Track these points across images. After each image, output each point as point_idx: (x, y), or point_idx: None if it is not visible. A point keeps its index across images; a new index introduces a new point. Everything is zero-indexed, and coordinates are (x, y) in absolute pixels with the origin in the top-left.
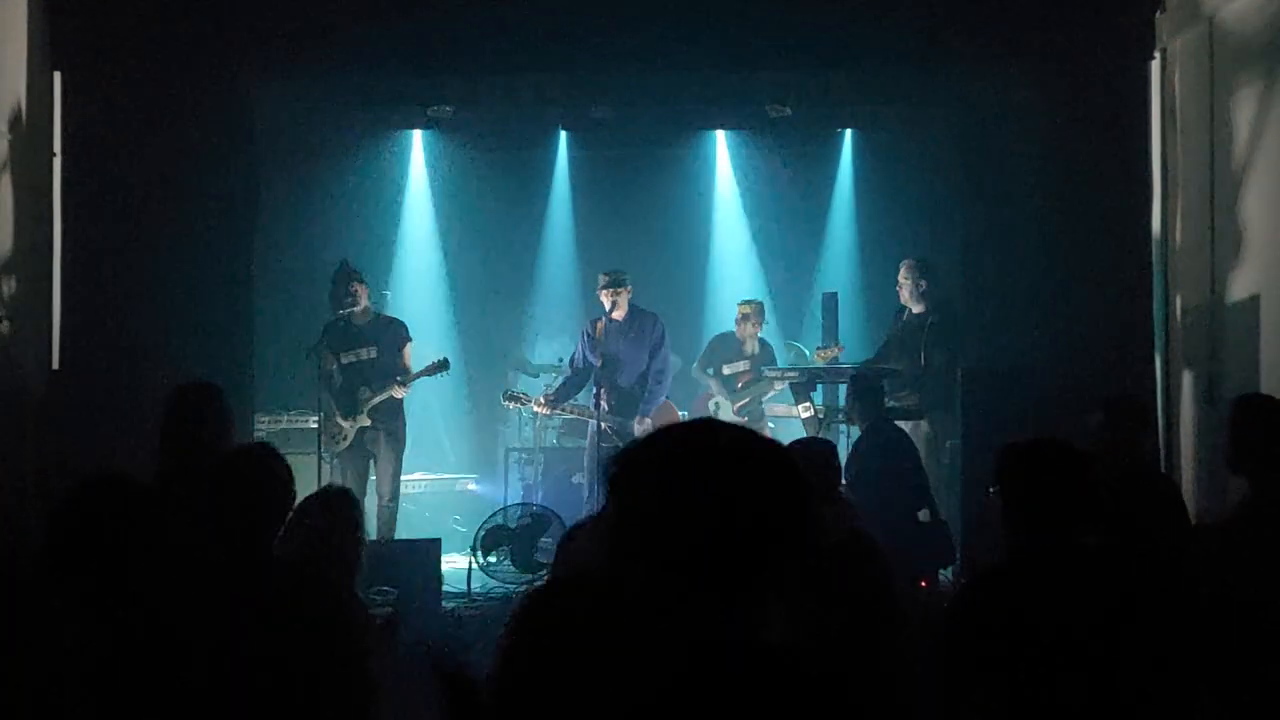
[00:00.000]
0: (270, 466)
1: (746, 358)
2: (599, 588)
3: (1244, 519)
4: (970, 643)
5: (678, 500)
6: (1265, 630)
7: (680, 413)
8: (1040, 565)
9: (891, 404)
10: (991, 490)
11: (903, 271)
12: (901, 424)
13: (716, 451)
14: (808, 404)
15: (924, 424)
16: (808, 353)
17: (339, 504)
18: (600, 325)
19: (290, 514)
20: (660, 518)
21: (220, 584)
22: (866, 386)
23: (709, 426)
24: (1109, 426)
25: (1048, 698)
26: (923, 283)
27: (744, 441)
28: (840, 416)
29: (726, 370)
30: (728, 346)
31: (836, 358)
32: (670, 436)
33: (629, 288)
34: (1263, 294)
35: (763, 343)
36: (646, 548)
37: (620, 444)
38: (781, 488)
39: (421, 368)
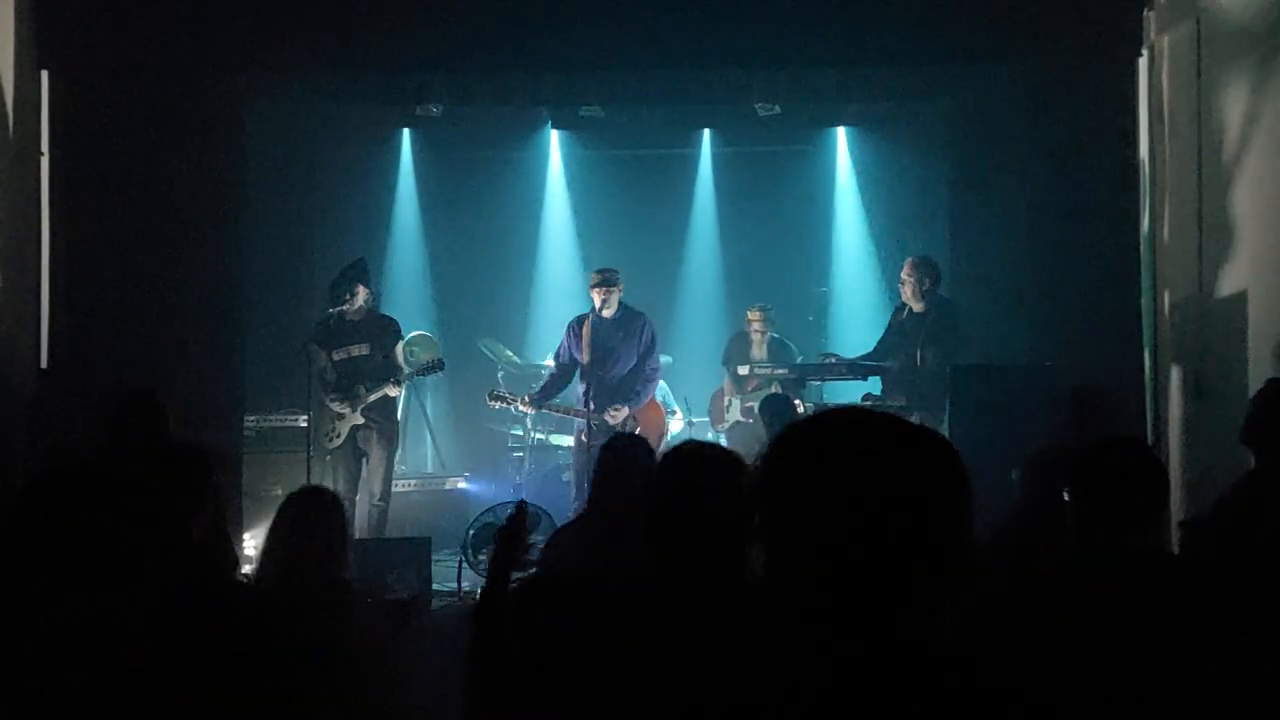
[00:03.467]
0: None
1: (753, 360)
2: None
3: (1247, 490)
4: (1037, 645)
5: (839, 502)
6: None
7: (667, 414)
8: (1111, 566)
9: (882, 402)
10: (1061, 493)
11: (906, 269)
12: None
13: (879, 447)
14: (798, 401)
15: (913, 419)
16: (795, 349)
17: (319, 500)
18: (588, 322)
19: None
20: (820, 521)
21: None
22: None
23: (865, 418)
24: (1076, 422)
25: (1115, 701)
26: (926, 281)
27: (907, 436)
28: None
29: (741, 371)
30: (741, 348)
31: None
32: (824, 432)
33: (620, 286)
34: (1250, 290)
35: (778, 344)
36: (804, 554)
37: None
38: (950, 486)
39: (417, 366)
